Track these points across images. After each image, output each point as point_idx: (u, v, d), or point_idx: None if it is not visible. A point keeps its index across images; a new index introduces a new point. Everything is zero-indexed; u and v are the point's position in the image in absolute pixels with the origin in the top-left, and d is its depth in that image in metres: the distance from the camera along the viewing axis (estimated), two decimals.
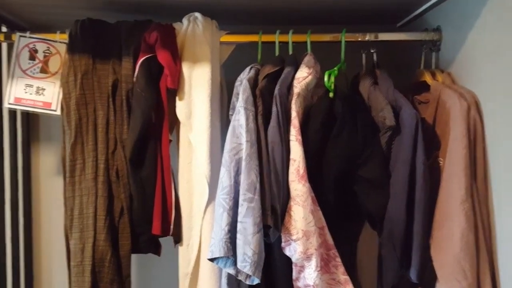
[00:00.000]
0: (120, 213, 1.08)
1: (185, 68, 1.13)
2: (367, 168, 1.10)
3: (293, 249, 1.01)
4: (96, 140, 1.07)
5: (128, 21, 1.16)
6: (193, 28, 1.16)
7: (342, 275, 1.08)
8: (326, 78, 1.11)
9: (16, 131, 1.36)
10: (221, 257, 0.96)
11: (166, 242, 1.18)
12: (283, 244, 1.02)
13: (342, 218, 1.14)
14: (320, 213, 1.07)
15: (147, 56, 1.09)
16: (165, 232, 1.12)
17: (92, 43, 1.11)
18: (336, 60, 1.19)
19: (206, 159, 1.11)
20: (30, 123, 1.42)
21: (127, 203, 1.08)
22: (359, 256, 1.20)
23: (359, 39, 1.23)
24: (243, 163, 0.96)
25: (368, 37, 1.23)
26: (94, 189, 1.05)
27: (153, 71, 1.10)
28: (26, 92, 1.16)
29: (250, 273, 0.91)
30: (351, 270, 1.13)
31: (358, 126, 1.11)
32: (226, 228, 0.95)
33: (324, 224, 1.07)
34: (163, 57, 1.09)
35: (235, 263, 0.95)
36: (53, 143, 1.44)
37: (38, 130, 1.44)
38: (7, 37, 1.20)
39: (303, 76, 1.12)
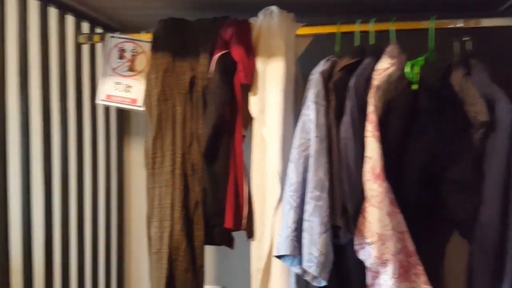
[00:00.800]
0: (195, 205, 1.13)
1: (259, 62, 1.14)
2: (457, 169, 1.01)
3: (367, 253, 0.96)
4: (174, 135, 1.13)
5: (207, 19, 1.21)
6: (268, 22, 1.16)
7: (424, 285, 1.00)
8: (408, 69, 1.03)
9: (109, 126, 1.50)
10: (288, 255, 0.95)
11: (240, 236, 1.21)
12: (356, 247, 0.98)
13: (427, 223, 1.05)
14: (400, 216, 1.00)
15: (222, 52, 1.13)
16: (237, 226, 1.14)
17: (173, 41, 1.18)
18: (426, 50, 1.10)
19: (278, 155, 1.11)
20: (123, 119, 1.56)
21: (201, 196, 1.12)
22: (446, 266, 1.10)
23: (450, 26, 1.12)
24: (311, 160, 0.94)
25: (462, 23, 1.12)
26: (171, 181, 1.11)
27: (228, 67, 1.13)
28: (115, 89, 1.27)
29: (315, 273, 0.89)
30: (436, 280, 1.04)
31: (447, 121, 1.02)
32: (293, 226, 0.94)
33: (405, 228, 1.01)
34: (237, 52, 1.11)
35: (302, 262, 0.93)
36: (143, 137, 1.56)
37: (130, 125, 1.58)
38: (102, 38, 1.32)
39: (384, 67, 1.06)
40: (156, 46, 1.18)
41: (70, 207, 1.29)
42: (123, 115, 1.56)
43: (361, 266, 0.99)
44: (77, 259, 1.34)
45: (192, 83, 1.15)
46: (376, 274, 0.98)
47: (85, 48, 1.40)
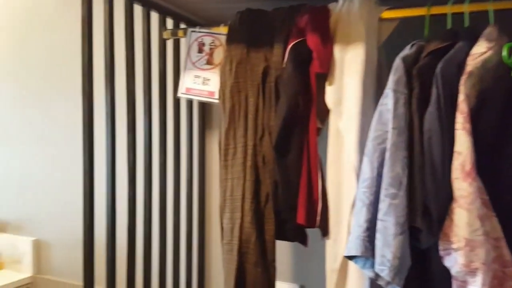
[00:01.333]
0: (266, 198, 1.11)
1: (337, 50, 1.08)
2: None
3: (453, 260, 0.86)
4: (246, 127, 1.13)
5: (283, 7, 1.18)
6: (348, 7, 1.10)
7: None
8: (505, 53, 0.90)
9: (192, 119, 1.55)
10: (360, 256, 0.89)
11: (315, 233, 1.17)
12: (441, 253, 0.88)
13: None
14: (496, 220, 0.88)
15: (296, 41, 1.09)
16: (310, 223, 1.10)
17: (248, 32, 1.17)
18: None
19: (355, 148, 1.04)
20: (205, 112, 1.60)
21: (273, 189, 1.10)
22: None
23: None
24: (387, 154, 0.86)
25: None
26: (242, 173, 1.11)
27: (302, 56, 1.09)
28: (194, 83, 1.31)
29: (388, 278, 0.82)
30: None
31: None
32: (365, 225, 0.87)
33: (501, 234, 0.88)
34: (312, 40, 1.07)
35: (374, 265, 0.86)
36: None
37: (212, 118, 1.62)
38: (185, 33, 1.37)
39: (480, 51, 0.93)
40: (231, 38, 1.18)
41: (153, 198, 1.36)
42: (205, 108, 1.60)
43: (446, 275, 0.89)
44: (159, 250, 1.41)
45: (265, 74, 1.13)
46: (463, 284, 0.87)
47: (170, 44, 1.46)
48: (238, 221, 1.10)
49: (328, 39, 1.09)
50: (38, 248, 1.88)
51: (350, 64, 1.07)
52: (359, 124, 1.05)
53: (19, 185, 1.92)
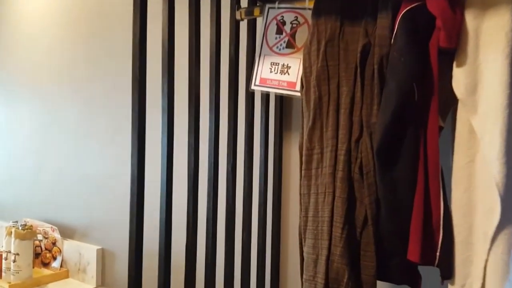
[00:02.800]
0: (364, 222, 0.82)
1: (470, 17, 0.77)
2: None
3: None
4: (338, 125, 0.85)
5: None
6: None
7: None
8: None
9: (268, 117, 1.30)
10: None
11: (429, 272, 0.86)
12: None
13: None
14: None
15: (411, 6, 0.80)
16: (426, 260, 0.80)
17: (341, 0, 0.90)
18: None
19: (499, 157, 0.72)
20: (284, 108, 1.35)
21: (373, 210, 0.81)
22: None
23: None
24: None
25: None
26: (331, 187, 0.84)
27: (419, 26, 0.80)
28: (271, 72, 1.07)
29: None
30: None
31: None
32: None
33: None
34: (435, 3, 0.77)
35: None
36: None
37: (292, 116, 1.36)
38: (261, 10, 1.13)
39: None
40: (318, 10, 0.92)
41: (218, 212, 1.13)
42: (284, 102, 1.34)
43: None
44: (224, 274, 1.17)
45: (365, 53, 0.85)
46: None
47: (243, 27, 1.24)
48: (324, 252, 0.83)
49: (457, 2, 0.78)
50: (103, 257, 1.77)
51: (489, 36, 0.76)
52: (505, 122, 0.73)
53: (88, 191, 1.83)
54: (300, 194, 0.91)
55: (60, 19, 1.96)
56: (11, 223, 1.85)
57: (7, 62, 2.21)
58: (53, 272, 1.85)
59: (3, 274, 1.78)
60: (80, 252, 1.81)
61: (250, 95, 1.22)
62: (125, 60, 1.72)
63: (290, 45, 1.06)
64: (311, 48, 0.91)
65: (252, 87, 1.10)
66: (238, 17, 1.17)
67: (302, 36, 1.04)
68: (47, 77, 2.01)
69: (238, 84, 1.20)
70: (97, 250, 1.76)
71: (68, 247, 1.86)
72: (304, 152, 0.89)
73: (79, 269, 1.82)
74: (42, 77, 2.04)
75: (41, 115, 2.03)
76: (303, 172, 0.89)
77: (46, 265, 1.92)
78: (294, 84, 1.04)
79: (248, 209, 1.24)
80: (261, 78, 1.08)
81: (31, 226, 1.78)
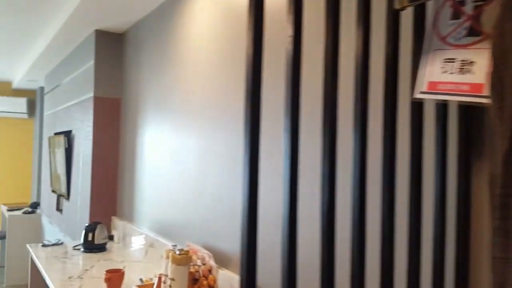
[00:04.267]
0: None
1: None
2: None
3: None
4: None
5: None
6: None
7: None
8: None
9: (445, 140, 0.96)
10: None
11: None
12: None
13: None
14: None
15: None
16: None
17: None
18: None
19: None
20: (469, 123, 0.98)
21: None
22: None
23: None
24: None
25: None
26: None
27: None
28: (444, 71, 0.76)
29: None
30: None
31: None
32: None
33: None
34: None
35: None
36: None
37: (482, 138, 0.98)
38: None
39: None
40: None
41: (367, 266, 0.85)
42: (468, 114, 0.98)
43: None
44: None
45: None
46: None
47: (406, 17, 0.95)
48: None
49: None
50: None
51: None
52: None
53: (238, 214, 1.75)
54: (492, 258, 0.57)
55: (223, 46, 1.97)
56: (170, 246, 1.88)
57: (176, 88, 2.35)
58: None
59: None
60: (232, 285, 1.72)
61: (415, 106, 0.91)
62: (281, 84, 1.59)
63: (473, 32, 0.73)
64: (504, 28, 0.58)
65: (417, 95, 0.81)
66: (397, 5, 0.90)
67: (492, 17, 0.71)
68: (210, 102, 2.04)
69: (396, 93, 0.91)
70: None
71: (222, 276, 1.79)
72: (498, 192, 0.56)
73: None
74: (206, 103, 2.07)
75: (204, 141, 2.07)
76: (496, 222, 0.56)
77: None
78: (481, 87, 0.70)
79: (415, 273, 0.91)
80: (429, 83, 0.78)
81: (188, 251, 1.78)
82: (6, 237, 4.97)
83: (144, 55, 2.89)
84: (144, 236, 2.68)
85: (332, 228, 0.73)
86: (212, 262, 1.84)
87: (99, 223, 2.85)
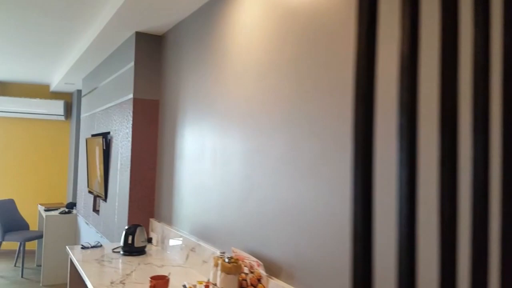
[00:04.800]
0: None
1: None
2: None
3: None
4: None
5: None
6: None
7: None
8: None
9: None
10: None
11: None
12: None
13: None
14: None
15: None
16: None
17: None
18: None
19: None
20: None
21: None
22: None
23: None
24: None
25: None
26: None
27: None
28: None
29: None
30: None
31: None
32: None
33: None
34: None
35: None
36: None
37: None
38: None
39: None
40: None
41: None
42: None
43: None
44: None
45: None
46: None
47: None
48: None
49: None
50: None
51: None
52: None
53: (292, 226, 1.64)
54: None
55: (269, 45, 1.88)
56: (218, 254, 1.80)
57: (218, 90, 2.28)
58: None
59: None
60: None
61: None
62: (335, 82, 1.49)
63: None
64: None
65: None
66: None
67: None
68: (258, 104, 1.95)
69: None
70: None
71: (273, 286, 1.69)
72: None
73: None
74: (253, 104, 1.99)
75: (249, 142, 1.98)
76: None
77: None
78: None
79: None
80: None
81: (237, 260, 1.69)
82: (43, 237, 5.03)
83: (184, 57, 2.84)
84: (184, 239, 2.62)
85: (454, 244, 0.62)
86: (261, 271, 1.75)
87: (139, 225, 2.81)
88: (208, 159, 2.40)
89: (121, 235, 3.22)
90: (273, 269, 1.75)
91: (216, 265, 1.70)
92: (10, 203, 5.78)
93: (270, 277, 1.73)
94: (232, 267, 1.63)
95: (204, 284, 1.80)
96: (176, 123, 2.90)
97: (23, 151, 6.79)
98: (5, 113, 6.41)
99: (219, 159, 2.27)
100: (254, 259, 1.79)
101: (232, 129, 2.15)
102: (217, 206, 2.26)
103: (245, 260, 1.85)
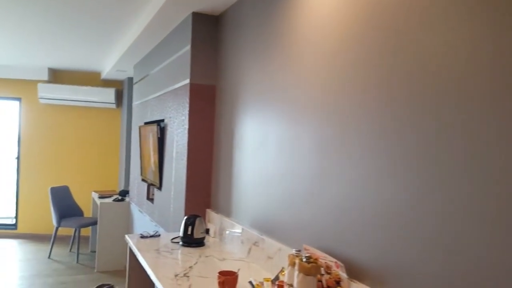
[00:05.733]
0: None
1: None
2: None
3: None
4: None
5: None
6: None
7: None
8: None
9: None
10: None
11: None
12: None
13: None
14: None
15: None
16: None
17: None
18: None
19: None
20: None
21: None
22: None
23: None
24: None
25: None
26: None
27: None
28: None
29: None
30: None
31: None
32: None
33: None
34: None
35: None
36: None
37: None
38: None
39: None
40: None
41: None
42: None
43: None
44: None
45: None
46: None
47: None
48: None
49: None
50: None
51: None
52: None
53: (376, 227, 1.47)
54: None
55: (345, 21, 1.69)
56: (294, 252, 1.66)
57: (285, 75, 2.12)
58: None
59: None
60: None
61: None
62: (430, 81, 1.28)
63: None
64: None
65: None
66: None
67: None
68: (335, 91, 1.78)
69: None
70: None
71: None
72: None
73: None
74: (329, 91, 1.82)
75: (325, 132, 1.82)
76: None
77: None
78: None
79: None
80: None
81: (317, 259, 1.54)
82: (98, 224, 5.12)
83: (244, 39, 2.69)
84: (245, 232, 2.50)
85: None
86: (342, 273, 1.59)
87: (198, 216, 2.72)
88: (272, 149, 2.25)
89: (178, 225, 3.16)
90: (356, 272, 1.59)
91: (292, 264, 1.56)
92: (65, 190, 5.93)
93: (352, 280, 1.57)
94: (311, 267, 1.49)
95: (277, 283, 1.67)
96: (235, 110, 2.77)
97: (75, 139, 6.96)
98: (56, 100, 6.56)
99: (286, 149, 2.11)
100: (332, 259, 1.64)
101: (303, 119, 1.98)
102: (283, 199, 2.12)
103: (320, 259, 1.70)
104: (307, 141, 1.93)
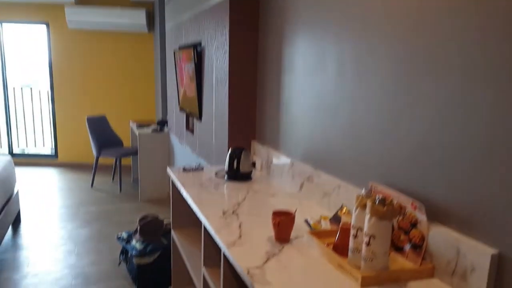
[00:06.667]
0: None
1: None
2: None
3: None
4: None
5: None
6: None
7: None
8: None
9: None
10: None
11: None
12: None
13: None
14: None
15: None
16: None
17: None
18: None
19: None
20: None
21: None
22: None
23: None
24: None
25: None
26: None
27: None
28: None
29: None
30: None
31: None
32: None
33: None
34: None
35: None
36: None
37: None
38: None
39: None
40: None
41: None
42: None
43: None
44: None
45: None
46: None
47: None
48: None
49: None
50: (502, 269, 1.18)
51: None
52: None
53: (463, 163, 1.23)
54: None
55: None
56: (363, 192, 1.47)
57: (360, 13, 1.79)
58: (415, 267, 1.39)
59: (349, 253, 1.43)
60: (459, 249, 1.27)
61: None
62: None
63: None
64: None
65: None
66: None
67: None
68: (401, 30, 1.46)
69: None
70: (492, 256, 1.17)
71: (438, 235, 1.34)
72: None
73: (453, 272, 1.29)
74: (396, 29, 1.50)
75: (404, 52, 1.53)
76: None
77: (397, 249, 1.49)
78: None
79: None
80: None
81: (392, 201, 1.34)
82: (138, 155, 5.11)
83: None
84: (296, 166, 2.33)
85: None
86: (420, 215, 1.39)
87: (243, 148, 2.56)
88: (332, 73, 1.99)
89: (221, 158, 3.03)
90: (437, 214, 1.38)
91: (361, 206, 1.38)
92: (103, 120, 5.92)
93: (433, 223, 1.37)
94: (387, 211, 1.29)
95: (340, 225, 1.50)
96: (284, 29, 2.47)
97: (107, 67, 6.83)
98: (85, 24, 6.35)
99: (349, 72, 1.84)
100: (408, 198, 1.44)
101: (375, 35, 1.69)
102: (344, 131, 1.89)
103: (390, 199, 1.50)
104: (378, 62, 1.66)
